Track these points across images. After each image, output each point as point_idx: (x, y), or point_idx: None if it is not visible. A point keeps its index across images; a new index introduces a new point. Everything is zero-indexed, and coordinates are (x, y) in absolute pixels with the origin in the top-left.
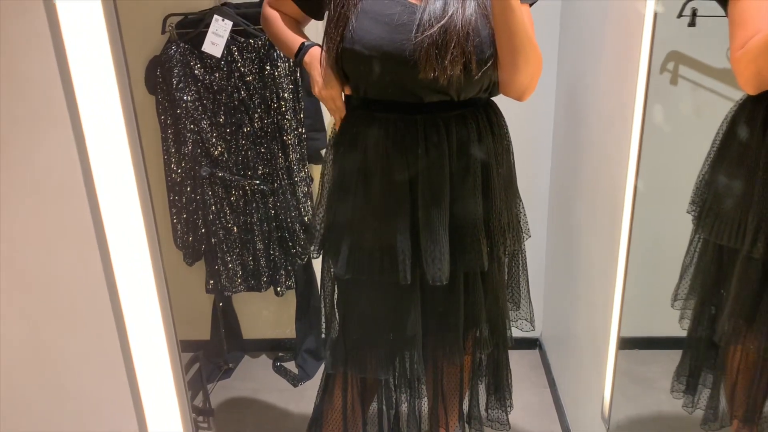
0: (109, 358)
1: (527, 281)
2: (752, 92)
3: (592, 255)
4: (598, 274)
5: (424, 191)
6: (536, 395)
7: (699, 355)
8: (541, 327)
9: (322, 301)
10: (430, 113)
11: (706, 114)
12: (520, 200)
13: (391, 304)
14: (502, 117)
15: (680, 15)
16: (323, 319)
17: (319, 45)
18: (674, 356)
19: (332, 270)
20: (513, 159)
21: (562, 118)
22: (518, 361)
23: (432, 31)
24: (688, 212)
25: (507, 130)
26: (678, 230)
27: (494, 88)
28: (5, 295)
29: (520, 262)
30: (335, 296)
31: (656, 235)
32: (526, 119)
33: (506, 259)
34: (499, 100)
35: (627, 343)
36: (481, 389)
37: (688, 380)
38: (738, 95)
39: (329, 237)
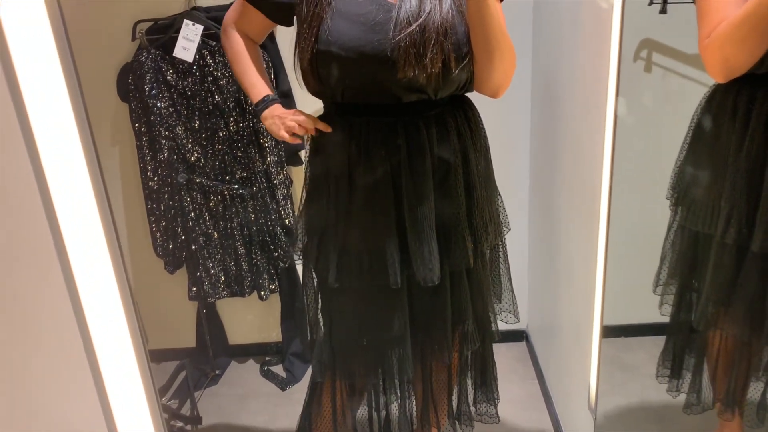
0: (77, 373)
1: (509, 273)
2: (721, 80)
3: (572, 245)
4: (579, 264)
5: (408, 193)
6: (524, 388)
7: (681, 341)
8: (527, 319)
9: (306, 309)
10: (409, 114)
11: (681, 100)
12: (499, 194)
13: (379, 308)
14: (478, 113)
15: (651, 2)
16: (308, 327)
17: (280, 102)
18: (658, 342)
19: (314, 277)
20: (490, 154)
21: (538, 111)
22: (505, 354)
23: (410, 29)
24: (666, 198)
25: (483, 125)
26: (655, 217)
27: (470, 85)
28: None
29: (501, 255)
30: (319, 303)
31: (634, 222)
32: (504, 113)
33: (488, 254)
34: (475, 95)
35: (611, 332)
36: (469, 384)
37: (672, 365)
38: (711, 80)
39: (314, 246)
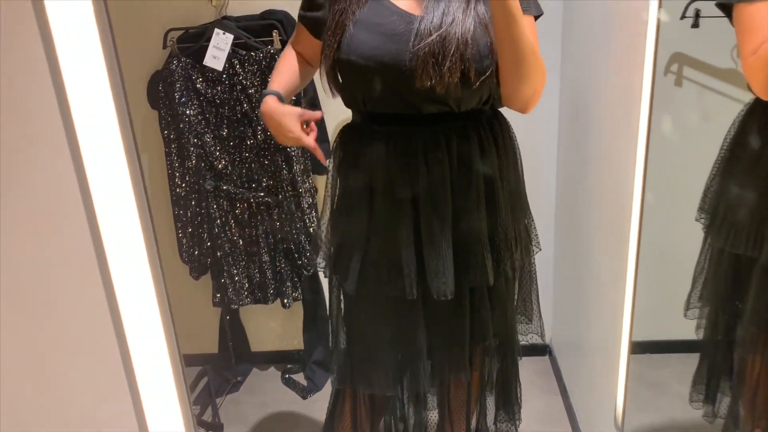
0: (113, 379)
1: (537, 295)
2: (767, 98)
3: (600, 260)
4: (607, 279)
5: (425, 205)
6: (547, 402)
7: (716, 364)
8: (551, 333)
9: (330, 316)
10: (430, 125)
11: (713, 116)
12: (530, 214)
13: (397, 319)
14: (510, 129)
15: (683, 17)
16: (330, 334)
17: (277, 94)
18: (685, 359)
19: (340, 285)
20: (521, 171)
21: (566, 125)
22: (528, 368)
23: (430, 39)
24: (696, 220)
25: (515, 142)
26: (686, 234)
27: (496, 100)
28: (5, 319)
29: (530, 275)
30: (341, 312)
31: (664, 238)
32: (531, 127)
33: (515, 274)
34: (502, 109)
35: (637, 348)
36: (490, 402)
37: (706, 390)
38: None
39: (336, 255)
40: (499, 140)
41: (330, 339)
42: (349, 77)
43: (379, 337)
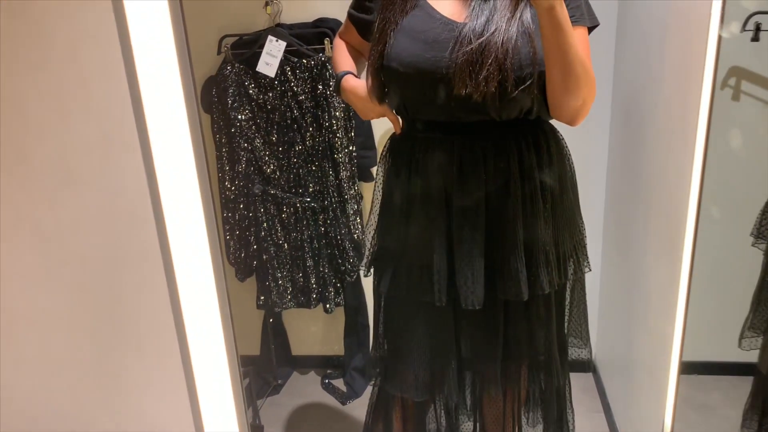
0: (172, 379)
1: (585, 313)
2: None
3: (651, 276)
4: (657, 296)
5: (457, 213)
6: (589, 420)
7: None
8: (595, 349)
9: (373, 319)
10: (468, 134)
11: None
12: (583, 232)
13: (428, 325)
14: (560, 141)
15: (743, 30)
16: (371, 337)
17: (352, 73)
18: (736, 382)
19: (378, 287)
20: (574, 187)
21: (618, 135)
22: (572, 384)
23: (470, 47)
24: (753, 245)
25: (566, 154)
26: (738, 252)
27: (541, 111)
28: (71, 313)
29: (580, 296)
30: (381, 314)
31: (717, 256)
32: (580, 137)
33: (559, 292)
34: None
35: (687, 368)
36: (531, 421)
37: (760, 416)
38: None
39: (377, 256)
40: (543, 152)
41: (371, 340)
42: (391, 84)
43: (410, 341)
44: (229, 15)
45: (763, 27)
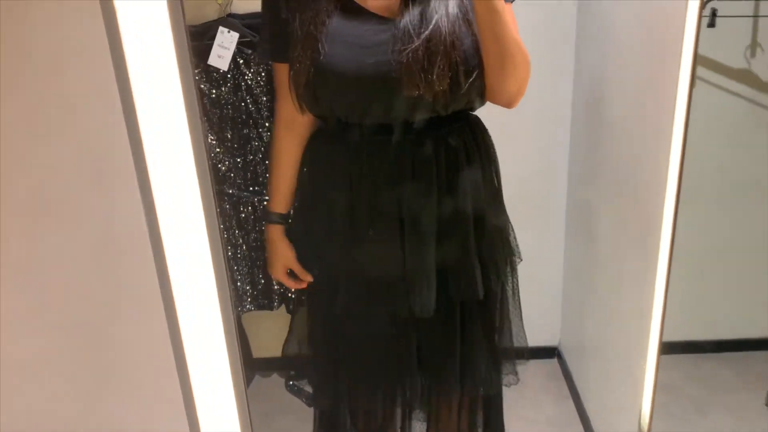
0: (167, 381)
1: (520, 307)
2: None
3: (621, 263)
4: (630, 283)
5: (411, 220)
6: (558, 406)
7: None
8: (560, 336)
9: (312, 341)
10: (416, 134)
11: (725, 114)
12: (510, 224)
13: (381, 333)
14: (489, 135)
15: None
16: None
17: (281, 223)
18: (695, 360)
19: (318, 303)
20: (499, 178)
21: (581, 123)
22: (536, 372)
23: (415, 44)
24: None
25: (493, 150)
26: (698, 235)
27: (481, 99)
28: (60, 354)
29: (511, 287)
30: (319, 325)
31: (685, 238)
32: (542, 126)
33: (502, 286)
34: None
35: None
36: (478, 417)
37: None
38: (759, 97)
39: (314, 269)
40: (481, 147)
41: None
42: (327, 95)
43: (361, 352)
44: None
45: (719, 13)
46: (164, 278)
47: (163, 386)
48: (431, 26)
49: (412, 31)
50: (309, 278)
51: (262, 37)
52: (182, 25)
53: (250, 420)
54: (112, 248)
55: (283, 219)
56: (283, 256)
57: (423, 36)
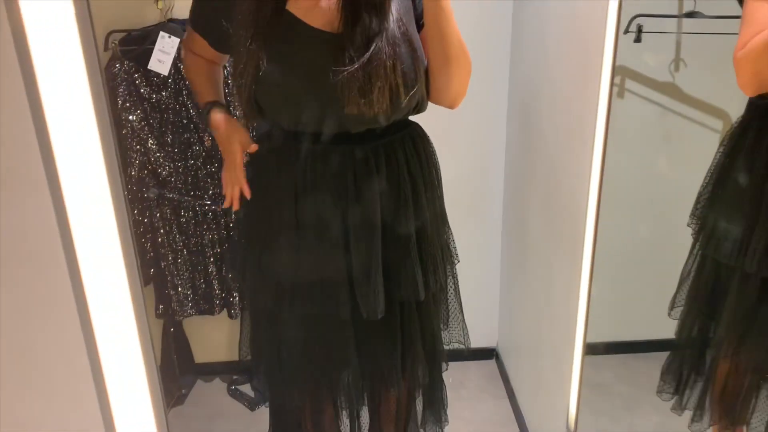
0: (83, 390)
1: (460, 304)
2: (750, 94)
3: (552, 264)
4: (558, 282)
5: (355, 226)
6: (495, 406)
7: (686, 361)
8: (497, 336)
9: (254, 340)
10: (358, 143)
11: (652, 126)
12: (448, 226)
13: (327, 336)
14: (430, 143)
15: (626, 31)
16: (253, 352)
17: (222, 106)
18: (623, 359)
19: (263, 304)
20: (440, 183)
21: (515, 131)
22: (475, 372)
23: (355, 66)
24: (688, 225)
25: (435, 156)
26: (623, 239)
27: (421, 105)
28: None
29: (452, 286)
30: (264, 328)
31: (611, 243)
32: (478, 133)
33: (441, 286)
34: (449, 111)
35: (588, 350)
36: (418, 409)
37: (677, 385)
38: (682, 108)
39: (257, 274)
40: (422, 155)
41: (253, 358)
42: (270, 109)
43: (309, 354)
44: (115, 9)
45: (644, 29)
46: (77, 281)
47: (79, 392)
48: (372, 48)
49: (353, 51)
50: (254, 147)
51: (196, 12)
52: (89, 25)
53: (167, 420)
54: (23, 252)
55: (219, 104)
56: (237, 132)
57: (363, 58)
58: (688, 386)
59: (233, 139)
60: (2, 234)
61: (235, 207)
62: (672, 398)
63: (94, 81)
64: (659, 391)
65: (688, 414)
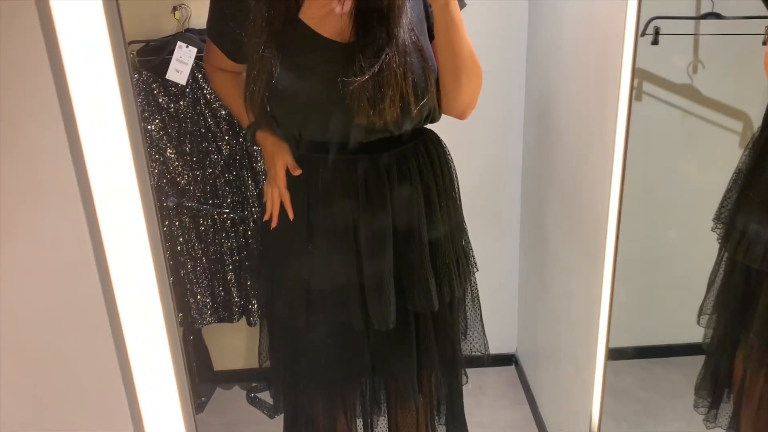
0: (114, 398)
1: (480, 314)
2: None
3: (571, 269)
4: (580, 290)
5: (366, 235)
6: (515, 412)
7: (720, 373)
8: (516, 343)
9: (272, 350)
10: (370, 152)
11: (670, 128)
12: (467, 235)
13: (343, 348)
14: (445, 151)
15: (643, 33)
16: (272, 363)
17: (270, 127)
18: (645, 365)
19: (279, 316)
20: (456, 192)
21: (532, 135)
22: (494, 378)
23: (366, 76)
24: (712, 230)
25: (451, 163)
26: (646, 245)
27: (435, 114)
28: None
29: (470, 296)
30: (284, 341)
31: (632, 247)
32: (495, 137)
33: (457, 296)
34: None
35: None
36: (439, 424)
37: (712, 400)
38: (700, 110)
39: (273, 285)
40: (435, 164)
41: (270, 367)
42: (282, 118)
43: (323, 363)
44: (133, 20)
45: (661, 31)
46: (108, 289)
47: (110, 400)
48: (382, 58)
49: (363, 61)
50: (299, 171)
51: (212, 26)
52: (121, 41)
53: (196, 427)
54: (56, 264)
55: (262, 121)
56: (279, 148)
57: (374, 68)
58: (723, 400)
59: (276, 159)
60: (36, 243)
61: (274, 223)
62: (708, 412)
63: (126, 92)
64: (696, 406)
65: (714, 425)
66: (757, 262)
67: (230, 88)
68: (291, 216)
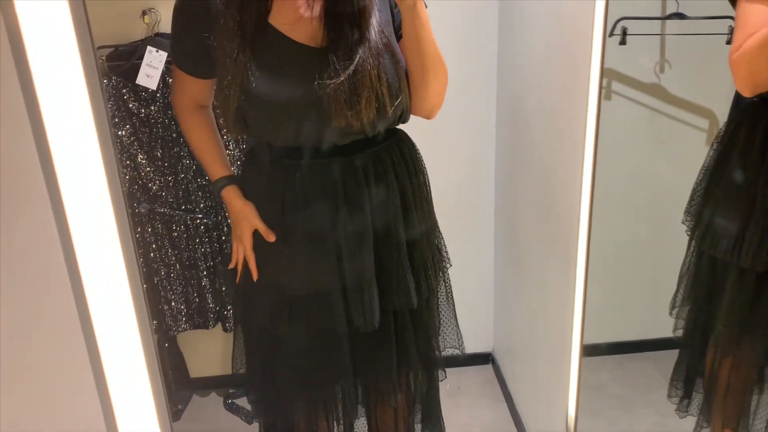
0: (87, 400)
1: (454, 309)
2: (747, 94)
3: (545, 266)
4: (552, 285)
5: (346, 237)
6: (493, 410)
7: (693, 363)
8: (493, 341)
9: (248, 353)
10: (345, 155)
11: (637, 127)
12: (439, 232)
13: (323, 350)
14: (416, 149)
15: (611, 34)
16: (248, 368)
17: (231, 184)
18: (620, 360)
19: (257, 321)
20: (428, 189)
21: (505, 132)
22: (472, 377)
23: (341, 78)
24: (683, 222)
25: (422, 161)
26: (619, 238)
27: (405, 115)
28: None
29: (444, 292)
30: (262, 346)
31: (604, 244)
32: (468, 137)
33: (433, 293)
34: (439, 116)
35: (585, 351)
36: (417, 420)
37: (684, 387)
38: (668, 109)
39: (250, 291)
40: (409, 162)
41: (248, 373)
42: (256, 122)
43: (303, 368)
44: (101, 24)
45: (629, 32)
46: (80, 295)
47: (83, 408)
48: (356, 60)
49: (337, 64)
50: (272, 237)
51: (176, 48)
52: (90, 46)
53: (171, 425)
54: (27, 273)
55: (230, 179)
56: (245, 213)
57: (349, 69)
58: (695, 389)
59: (243, 223)
60: (4, 249)
61: (238, 279)
62: (681, 401)
63: (95, 96)
64: (670, 396)
65: (685, 414)
66: (723, 253)
67: (201, 132)
68: (255, 277)
